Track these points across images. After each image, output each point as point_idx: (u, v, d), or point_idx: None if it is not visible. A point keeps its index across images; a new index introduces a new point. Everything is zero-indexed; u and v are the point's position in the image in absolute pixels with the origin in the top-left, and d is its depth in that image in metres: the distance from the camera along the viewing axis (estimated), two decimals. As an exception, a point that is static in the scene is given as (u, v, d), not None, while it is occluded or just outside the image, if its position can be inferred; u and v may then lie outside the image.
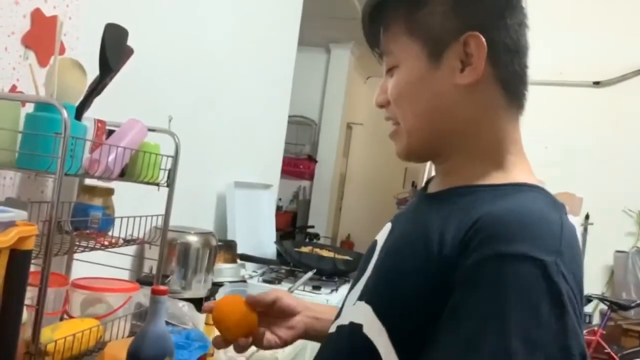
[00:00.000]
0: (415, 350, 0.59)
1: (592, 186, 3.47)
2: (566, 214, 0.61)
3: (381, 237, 0.77)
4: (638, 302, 2.89)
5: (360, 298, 0.70)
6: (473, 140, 0.67)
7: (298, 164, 5.50)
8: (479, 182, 0.66)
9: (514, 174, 0.67)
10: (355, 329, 0.67)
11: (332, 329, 0.74)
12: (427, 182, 0.79)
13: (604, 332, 2.85)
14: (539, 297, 0.51)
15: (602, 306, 3.10)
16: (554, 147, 3.55)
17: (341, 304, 0.78)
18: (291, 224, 5.38)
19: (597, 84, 3.54)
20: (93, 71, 1.08)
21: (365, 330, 0.65)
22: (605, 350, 2.77)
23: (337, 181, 5.93)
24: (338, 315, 0.76)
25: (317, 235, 4.90)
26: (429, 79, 0.66)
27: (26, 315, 0.92)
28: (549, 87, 3.59)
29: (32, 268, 0.82)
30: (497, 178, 0.66)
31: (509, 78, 0.67)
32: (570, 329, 0.51)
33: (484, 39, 0.63)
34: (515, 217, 0.56)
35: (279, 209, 5.00)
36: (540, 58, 3.56)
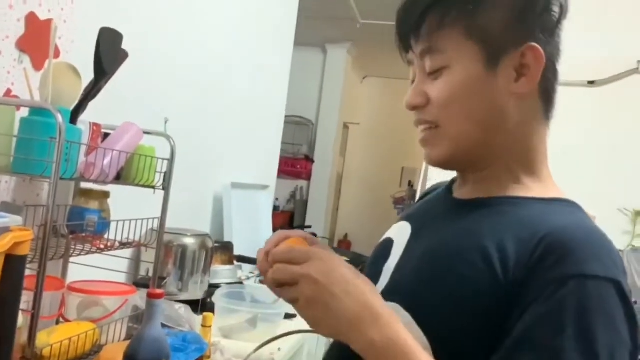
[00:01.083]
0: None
1: (587, 185, 3.46)
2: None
3: (399, 237, 0.75)
4: (634, 300, 2.91)
5: (388, 299, 0.67)
6: (513, 150, 0.68)
7: (295, 164, 5.51)
8: (520, 192, 0.67)
9: (550, 186, 0.69)
10: None
11: None
12: (450, 185, 0.78)
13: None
14: (620, 317, 0.54)
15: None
16: (550, 146, 3.56)
17: None
18: (289, 224, 5.38)
19: (591, 83, 3.55)
20: (88, 74, 1.08)
21: None
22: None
23: (334, 181, 5.94)
24: None
25: (314, 235, 4.91)
26: (486, 83, 0.65)
27: (22, 319, 0.92)
28: (544, 86, 3.61)
29: (28, 272, 0.82)
30: (537, 190, 0.68)
31: (549, 91, 0.69)
32: (637, 341, 0.55)
33: (542, 52, 0.65)
34: (584, 237, 0.58)
35: (276, 209, 5.01)
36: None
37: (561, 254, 0.56)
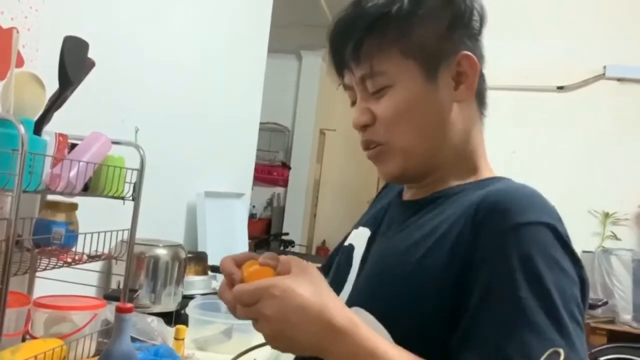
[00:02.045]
0: (420, 345, 0.59)
1: (558, 188, 3.54)
2: None
3: (359, 244, 0.77)
4: (605, 300, 2.97)
5: (353, 304, 0.68)
6: (457, 154, 0.71)
7: (272, 171, 5.49)
8: (456, 184, 0.71)
9: (484, 174, 0.73)
10: None
11: None
12: (400, 192, 0.81)
13: (573, 331, 2.92)
14: (560, 255, 0.57)
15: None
16: (521, 150, 3.63)
17: None
18: (266, 232, 5.35)
19: (560, 88, 3.63)
20: (54, 82, 1.06)
21: None
22: (575, 349, 2.83)
23: (311, 187, 5.93)
24: None
25: (292, 242, 4.89)
26: (428, 96, 0.68)
27: (-16, 338, 0.89)
28: (515, 92, 3.67)
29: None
30: (472, 180, 0.72)
31: (482, 92, 0.73)
32: (585, 278, 0.59)
33: (476, 58, 0.68)
34: (516, 193, 0.62)
35: (253, 216, 4.98)
36: (507, 64, 3.65)
37: (496, 212, 0.59)
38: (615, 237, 3.41)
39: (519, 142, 3.61)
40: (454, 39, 0.68)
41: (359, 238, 0.78)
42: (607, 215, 3.43)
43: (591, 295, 3.23)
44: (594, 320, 3.15)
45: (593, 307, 2.97)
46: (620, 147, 3.47)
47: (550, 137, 3.58)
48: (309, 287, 0.56)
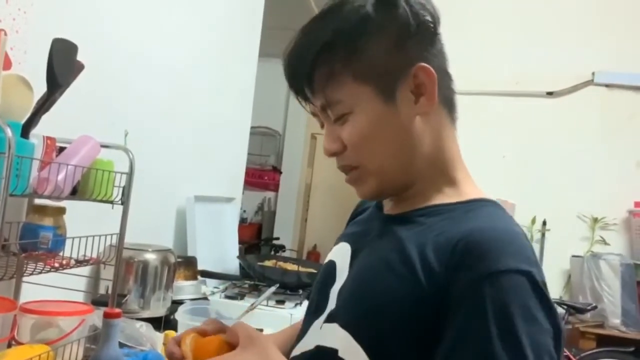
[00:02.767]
0: None
1: (548, 193, 3.57)
2: (516, 222, 0.66)
3: (340, 259, 0.76)
4: (594, 305, 2.99)
5: (328, 321, 0.69)
6: (431, 165, 0.70)
7: (263, 175, 5.48)
8: (437, 201, 0.69)
9: (465, 189, 0.71)
10: (327, 353, 0.66)
11: (296, 353, 0.72)
12: (379, 204, 0.80)
13: (563, 335, 2.94)
14: (533, 304, 0.56)
15: (560, 310, 3.18)
16: (511, 155, 3.65)
17: (302, 327, 0.76)
18: (256, 236, 5.33)
19: (550, 94, 3.67)
20: (43, 85, 1.05)
21: (342, 354, 0.64)
22: (565, 353, 2.84)
23: (302, 192, 5.92)
24: (299, 339, 0.74)
25: (282, 247, 4.87)
26: (389, 117, 0.67)
27: (-32, 344, 0.87)
28: (505, 97, 3.70)
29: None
30: (451, 195, 0.70)
31: (450, 98, 0.72)
32: (559, 326, 0.58)
33: (432, 68, 0.66)
34: (495, 236, 0.60)
35: (243, 220, 4.96)
36: (498, 70, 3.68)
37: (474, 256, 0.58)
38: (604, 241, 3.44)
39: (509, 147, 3.64)
40: (405, 53, 0.66)
41: (340, 253, 0.77)
42: (596, 220, 3.47)
43: (580, 299, 3.25)
44: (583, 324, 3.17)
45: (582, 311, 2.99)
46: (609, 152, 3.51)
47: (539, 142, 3.61)
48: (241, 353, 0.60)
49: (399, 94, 0.67)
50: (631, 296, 3.11)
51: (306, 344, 0.71)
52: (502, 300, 0.55)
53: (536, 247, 3.58)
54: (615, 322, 3.10)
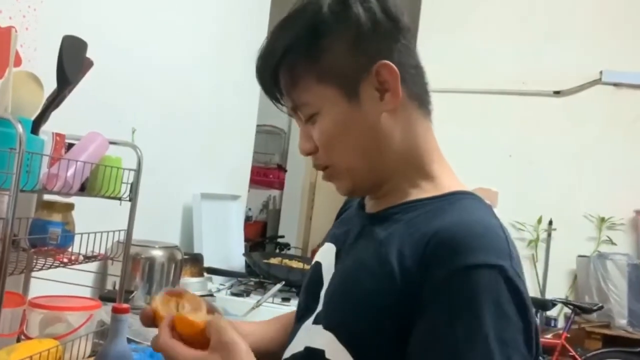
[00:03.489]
0: None
1: (554, 193, 3.56)
2: (494, 213, 0.66)
3: (325, 260, 0.76)
4: (600, 305, 2.98)
5: (316, 322, 0.70)
6: (405, 159, 0.70)
7: (268, 174, 5.48)
8: (414, 196, 0.69)
9: (443, 182, 0.70)
10: (315, 354, 0.67)
11: (287, 355, 0.73)
12: (362, 199, 0.80)
13: (568, 335, 2.91)
14: (504, 299, 0.56)
15: (566, 310, 3.17)
16: (517, 155, 3.64)
17: (292, 328, 0.77)
18: (261, 234, 5.34)
19: (557, 93, 3.65)
20: (52, 82, 1.06)
21: (329, 355, 0.65)
22: (570, 353, 2.83)
23: (307, 190, 5.92)
24: (290, 341, 0.74)
25: (287, 245, 4.88)
26: (355, 116, 0.67)
27: (-21, 338, 0.88)
28: (512, 96, 3.68)
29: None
30: (429, 190, 0.70)
31: (420, 92, 0.71)
32: (531, 320, 0.58)
33: (393, 65, 0.66)
34: (466, 230, 0.60)
35: (248, 219, 4.96)
36: (504, 69, 3.67)
37: (445, 252, 0.58)
38: (611, 241, 3.43)
39: (516, 147, 3.63)
40: (364, 52, 0.67)
41: (326, 254, 0.77)
42: (602, 220, 3.45)
43: (586, 299, 3.24)
44: (589, 324, 3.16)
45: (589, 311, 2.98)
46: (616, 152, 3.49)
47: (546, 141, 3.60)
48: (220, 349, 0.60)
49: (363, 92, 0.67)
50: (638, 296, 3.09)
51: (295, 346, 0.72)
52: (470, 296, 0.55)
53: (542, 247, 3.57)
54: (621, 323, 3.09)
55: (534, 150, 3.62)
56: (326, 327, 0.66)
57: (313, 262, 0.80)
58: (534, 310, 0.61)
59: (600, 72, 3.55)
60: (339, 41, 0.67)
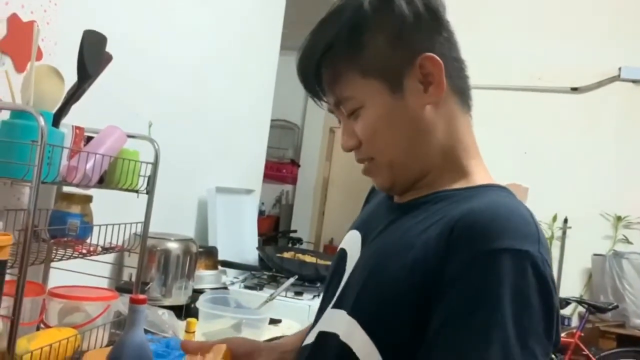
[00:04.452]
0: (400, 358, 0.61)
1: (570, 190, 3.53)
2: (525, 206, 0.65)
3: (351, 248, 0.77)
4: (615, 304, 2.95)
5: (336, 306, 0.70)
6: (445, 153, 0.70)
7: (281, 168, 5.50)
8: (448, 186, 0.69)
9: (476, 178, 0.70)
10: (327, 337, 0.68)
11: (310, 339, 0.74)
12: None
13: (582, 334, 2.90)
14: (528, 285, 0.55)
15: (581, 309, 3.15)
16: (532, 152, 3.61)
17: (316, 316, 0.78)
18: (274, 229, 5.37)
19: (574, 89, 3.61)
20: (72, 77, 1.07)
21: (343, 338, 0.65)
22: (584, 352, 2.81)
23: (320, 185, 5.93)
24: (313, 325, 0.76)
25: (299, 240, 4.90)
26: (399, 109, 0.68)
27: (1, 325, 0.90)
28: (528, 92, 3.65)
29: (8, 277, 0.81)
30: (463, 183, 0.70)
31: (462, 86, 0.71)
32: (554, 308, 0.57)
33: (437, 57, 0.66)
34: (493, 214, 0.59)
35: (261, 213, 4.99)
36: (521, 64, 3.63)
37: (470, 234, 0.57)
38: (627, 240, 3.39)
39: (531, 143, 3.59)
40: (408, 45, 0.67)
41: (351, 242, 0.78)
42: (619, 218, 3.41)
43: (601, 298, 3.21)
44: (604, 324, 3.13)
45: (603, 310, 2.95)
46: (634, 150, 3.44)
47: (563, 138, 3.56)
48: None
49: (407, 85, 0.67)
50: (654, 296, 3.06)
51: (313, 333, 0.73)
52: (493, 281, 0.55)
53: (557, 245, 3.54)
54: (636, 322, 3.06)
55: (550, 147, 3.59)
56: (350, 313, 0.66)
57: (338, 249, 0.81)
58: (558, 297, 0.60)
59: (619, 69, 3.50)
60: (382, 35, 0.67)
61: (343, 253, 0.78)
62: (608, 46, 3.52)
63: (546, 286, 0.56)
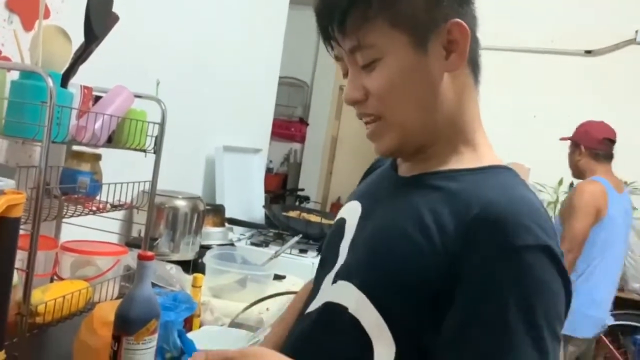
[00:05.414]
0: (412, 339, 0.63)
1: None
2: (530, 189, 0.68)
3: (350, 217, 0.77)
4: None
5: (342, 278, 0.71)
6: (452, 124, 0.70)
7: (289, 127, 5.49)
8: (456, 164, 0.70)
9: (482, 152, 0.71)
10: (336, 309, 0.69)
11: (311, 309, 0.75)
12: (394, 160, 0.80)
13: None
14: (551, 277, 0.58)
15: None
16: (542, 115, 3.57)
17: (314, 283, 0.79)
18: (282, 187, 5.42)
19: (588, 52, 3.53)
20: (78, 35, 1.08)
21: (353, 311, 0.67)
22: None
23: (328, 144, 5.93)
24: (312, 297, 0.76)
25: (307, 198, 4.95)
26: (420, 67, 0.67)
27: (17, 277, 0.95)
28: (540, 54, 3.58)
29: (22, 232, 0.85)
30: (472, 160, 0.70)
31: (476, 59, 0.71)
32: (571, 290, 0.61)
33: (466, 26, 0.66)
34: (513, 209, 0.60)
35: (269, 171, 5.03)
36: (534, 27, 3.55)
37: (493, 230, 0.59)
38: (632, 206, 3.39)
39: (541, 107, 3.55)
40: (442, 7, 0.66)
41: (351, 212, 0.78)
42: (625, 183, 3.40)
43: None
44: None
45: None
46: (645, 114, 3.40)
47: (574, 102, 3.51)
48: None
49: (431, 47, 0.66)
50: (654, 261, 3.10)
51: (318, 302, 0.74)
52: (521, 275, 0.57)
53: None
54: (635, 286, 3.11)
55: (560, 111, 3.55)
56: (359, 287, 0.67)
57: (338, 217, 0.81)
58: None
59: (636, 32, 3.41)
60: None
61: (342, 222, 0.79)
62: (624, 9, 3.41)
63: (565, 274, 0.60)
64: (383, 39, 0.66)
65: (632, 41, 3.45)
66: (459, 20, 0.66)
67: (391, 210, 0.71)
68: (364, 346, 0.65)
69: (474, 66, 0.71)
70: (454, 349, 0.59)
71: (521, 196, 0.63)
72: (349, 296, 0.68)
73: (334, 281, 0.72)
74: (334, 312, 0.69)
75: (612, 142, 2.52)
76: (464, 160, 0.70)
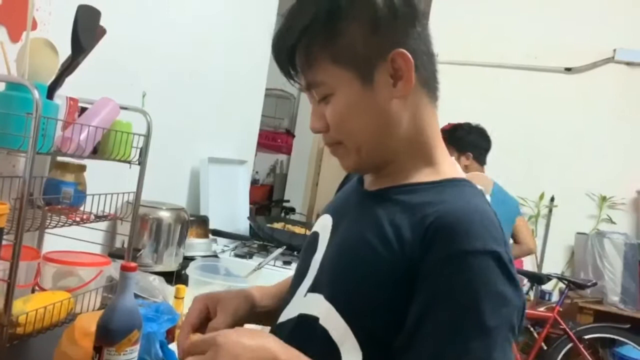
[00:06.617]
0: (377, 344, 0.65)
1: (558, 170, 3.58)
2: (487, 200, 0.71)
3: (323, 230, 0.81)
4: (594, 282, 3.04)
5: (312, 290, 0.74)
6: (410, 143, 0.73)
7: (276, 138, 5.50)
8: (414, 179, 0.73)
9: (443, 168, 0.74)
10: (308, 320, 0.71)
11: (282, 320, 0.77)
12: (361, 176, 0.84)
13: (561, 309, 2.99)
14: (499, 281, 0.61)
15: (561, 285, 3.24)
16: (524, 129, 3.64)
17: (289, 293, 0.81)
18: (267, 198, 5.42)
19: (568, 70, 3.62)
20: (65, 47, 1.09)
21: (322, 322, 0.69)
22: (561, 326, 2.91)
23: (314, 155, 5.95)
24: (285, 306, 0.79)
25: (292, 210, 4.96)
26: (367, 100, 0.70)
27: (-2, 288, 0.95)
28: (522, 71, 3.66)
29: (5, 242, 0.85)
30: (429, 174, 0.73)
31: (430, 79, 0.74)
32: (521, 299, 0.63)
33: (408, 54, 0.68)
34: (466, 217, 0.64)
35: (255, 182, 5.03)
36: (516, 43, 3.63)
37: (445, 236, 0.62)
38: (610, 220, 3.46)
39: (523, 121, 3.62)
40: (381, 38, 0.68)
41: (324, 225, 0.81)
42: (604, 198, 3.47)
43: (582, 275, 3.30)
44: (583, 300, 3.23)
45: (582, 287, 3.04)
46: (624, 131, 3.48)
47: (554, 118, 3.59)
48: (248, 338, 0.62)
49: (378, 77, 0.69)
50: (632, 275, 3.15)
51: (290, 312, 0.77)
52: (470, 278, 0.60)
53: (542, 223, 3.62)
54: (614, 300, 3.16)
55: (541, 126, 3.62)
56: (327, 298, 0.70)
57: (312, 231, 0.84)
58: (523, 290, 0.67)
59: (614, 50, 3.50)
60: (357, 25, 0.68)
61: (316, 235, 0.81)
62: (603, 28, 3.51)
63: (515, 282, 0.62)
64: (330, 76, 0.70)
65: (610, 59, 3.54)
66: (400, 50, 0.68)
67: (355, 223, 0.74)
68: (333, 354, 0.67)
69: (428, 85, 0.73)
70: (410, 352, 0.61)
71: (475, 206, 0.67)
72: (319, 307, 0.71)
73: (306, 294, 0.75)
74: (307, 323, 0.72)
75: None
76: (424, 175, 0.73)
